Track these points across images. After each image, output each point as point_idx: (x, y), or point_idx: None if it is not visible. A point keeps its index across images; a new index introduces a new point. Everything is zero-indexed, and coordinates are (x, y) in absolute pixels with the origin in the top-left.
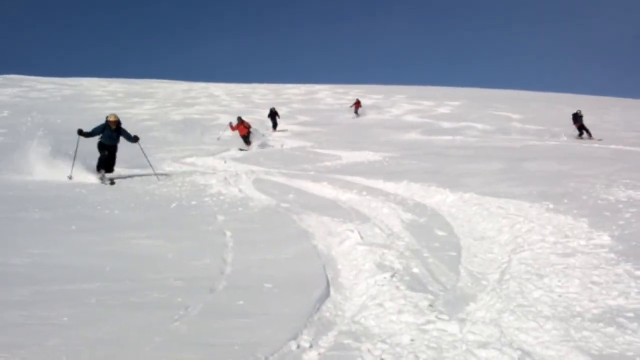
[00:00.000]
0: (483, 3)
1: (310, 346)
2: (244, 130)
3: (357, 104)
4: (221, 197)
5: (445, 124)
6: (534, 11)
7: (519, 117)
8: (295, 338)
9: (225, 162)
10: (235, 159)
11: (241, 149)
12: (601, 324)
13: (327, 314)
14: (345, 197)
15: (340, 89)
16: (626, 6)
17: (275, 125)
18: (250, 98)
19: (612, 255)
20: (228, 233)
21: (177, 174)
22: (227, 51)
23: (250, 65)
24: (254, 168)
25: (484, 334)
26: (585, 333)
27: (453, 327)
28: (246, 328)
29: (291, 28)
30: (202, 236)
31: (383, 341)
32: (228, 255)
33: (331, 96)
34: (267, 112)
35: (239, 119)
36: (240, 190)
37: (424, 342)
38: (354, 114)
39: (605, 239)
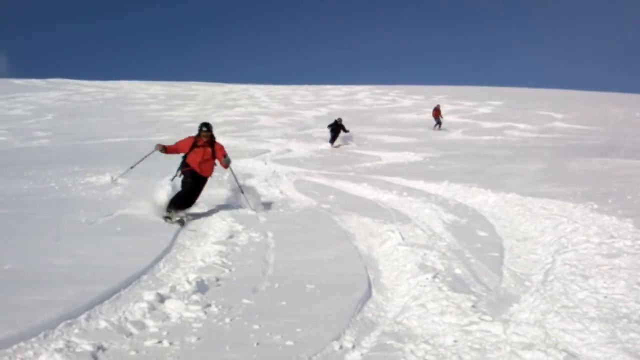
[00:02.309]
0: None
1: (353, 347)
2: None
3: (437, 111)
4: (262, 199)
5: (487, 124)
6: (577, 9)
7: (562, 117)
8: (338, 338)
9: (265, 163)
10: (275, 160)
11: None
12: None
13: (369, 315)
14: (386, 197)
15: (378, 89)
16: None
17: (334, 139)
18: (290, 100)
19: None
20: (270, 234)
21: (219, 174)
22: (264, 52)
23: (289, 66)
24: (294, 169)
25: (528, 335)
26: (632, 335)
27: (497, 328)
28: (289, 328)
29: (329, 28)
30: (243, 237)
31: (426, 342)
32: (270, 256)
33: (370, 97)
34: (327, 121)
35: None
36: (281, 192)
37: (467, 343)
38: (435, 127)
39: None
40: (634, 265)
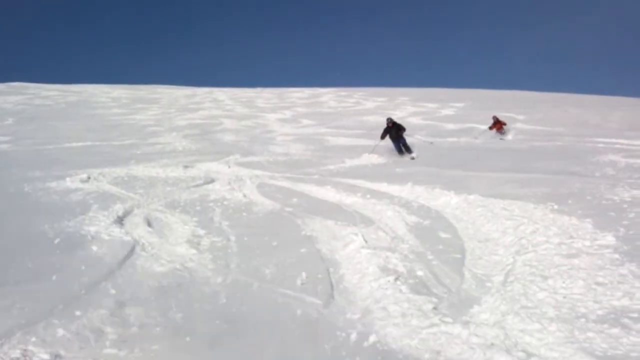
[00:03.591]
0: (484, 4)
1: (314, 350)
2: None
3: (499, 124)
4: (225, 202)
5: (450, 126)
6: (538, 11)
7: (524, 118)
8: (299, 342)
9: (229, 167)
10: (239, 164)
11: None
12: (605, 325)
13: (331, 318)
14: (349, 200)
15: (343, 92)
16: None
17: (403, 148)
18: (255, 102)
19: (616, 255)
20: (232, 238)
21: (182, 180)
22: (230, 56)
23: (253, 70)
24: (258, 172)
25: (488, 336)
26: (590, 334)
27: (457, 330)
28: (251, 334)
29: (293, 31)
30: (205, 242)
31: (388, 345)
32: (232, 260)
33: (334, 99)
34: (383, 127)
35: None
36: (244, 195)
37: (428, 345)
38: (498, 135)
39: (610, 239)
40: (593, 265)
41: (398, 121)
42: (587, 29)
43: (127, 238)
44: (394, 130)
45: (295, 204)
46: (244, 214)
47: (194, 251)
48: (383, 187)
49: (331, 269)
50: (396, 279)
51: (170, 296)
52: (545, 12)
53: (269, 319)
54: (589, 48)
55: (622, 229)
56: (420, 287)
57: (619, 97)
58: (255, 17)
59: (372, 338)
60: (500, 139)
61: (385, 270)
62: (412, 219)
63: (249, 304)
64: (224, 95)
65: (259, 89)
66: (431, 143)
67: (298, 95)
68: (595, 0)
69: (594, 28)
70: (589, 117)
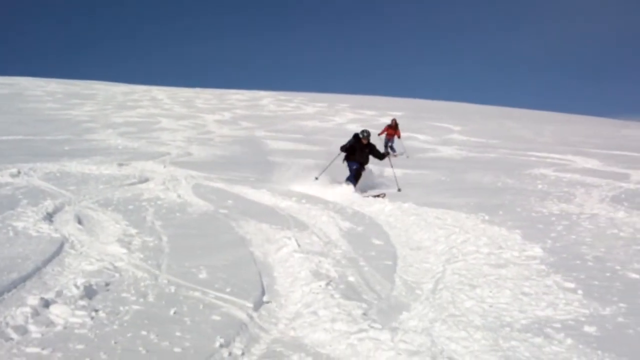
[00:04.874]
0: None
1: (243, 354)
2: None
3: (392, 130)
4: (159, 202)
5: None
6: (477, 24)
7: (460, 129)
8: (227, 345)
9: (164, 166)
10: (175, 164)
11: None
12: (529, 334)
13: (261, 322)
14: (285, 204)
15: (283, 96)
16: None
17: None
18: (194, 103)
19: (543, 267)
20: (164, 238)
21: (116, 178)
22: (172, 55)
23: (193, 70)
24: (194, 173)
25: (415, 343)
26: (514, 343)
27: (385, 336)
28: (178, 335)
29: (234, 34)
30: (137, 241)
31: (315, 350)
32: (163, 261)
33: (274, 103)
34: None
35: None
36: (178, 196)
37: (355, 350)
38: (388, 150)
39: (537, 250)
40: (520, 275)
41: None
42: (527, 42)
43: (56, 235)
44: (362, 152)
45: (230, 206)
46: (178, 214)
47: (124, 250)
48: (318, 192)
49: (263, 272)
50: (327, 283)
51: (98, 296)
52: (484, 25)
53: (198, 321)
54: (525, 63)
55: (549, 241)
56: (351, 293)
57: (552, 112)
58: (196, 17)
59: (301, 342)
60: (389, 150)
61: (317, 274)
62: (346, 224)
63: (178, 305)
64: (162, 94)
65: (198, 89)
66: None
67: (238, 97)
68: (537, 14)
69: (533, 41)
70: (522, 131)
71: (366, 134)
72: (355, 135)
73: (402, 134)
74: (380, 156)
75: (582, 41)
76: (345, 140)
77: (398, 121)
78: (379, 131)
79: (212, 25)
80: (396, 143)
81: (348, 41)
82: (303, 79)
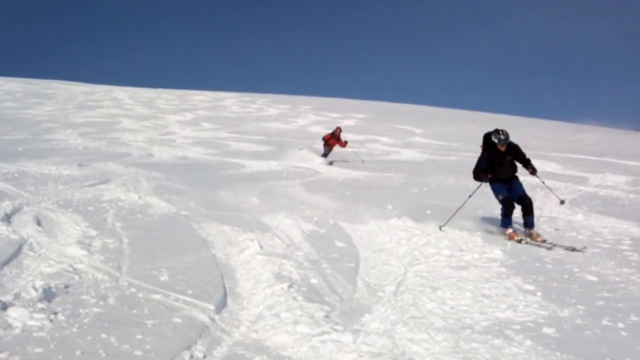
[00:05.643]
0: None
1: (204, 356)
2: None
3: (333, 138)
4: (120, 203)
5: (350, 136)
6: (440, 27)
7: (422, 132)
8: (189, 348)
9: (125, 167)
10: (136, 165)
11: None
12: (489, 336)
13: (223, 324)
14: (247, 206)
15: (246, 97)
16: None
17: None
18: (155, 103)
19: (503, 269)
20: (125, 240)
21: (76, 179)
22: (133, 55)
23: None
24: (156, 174)
25: (377, 345)
26: (474, 345)
27: (347, 338)
28: (139, 338)
29: (197, 34)
30: (97, 243)
31: (277, 352)
32: (124, 263)
33: (237, 104)
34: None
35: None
36: (140, 197)
37: (317, 352)
38: (321, 158)
39: (498, 253)
40: (480, 277)
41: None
42: (488, 46)
43: (14, 237)
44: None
45: (192, 208)
46: (139, 215)
47: (84, 252)
48: (283, 193)
49: (225, 275)
50: (290, 286)
51: (57, 298)
52: (445, 28)
53: (159, 323)
54: (487, 67)
55: (509, 244)
56: (313, 295)
57: (511, 116)
58: (157, 18)
59: (264, 344)
60: (325, 162)
61: (279, 277)
62: (309, 227)
63: (139, 308)
64: (124, 94)
65: (159, 90)
66: (362, 161)
67: (200, 98)
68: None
69: (493, 45)
70: (483, 134)
71: (503, 136)
72: (487, 139)
73: (364, 137)
74: (527, 161)
75: (539, 45)
76: (310, 141)
77: (361, 124)
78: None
79: (174, 26)
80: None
81: (311, 43)
82: (266, 80)
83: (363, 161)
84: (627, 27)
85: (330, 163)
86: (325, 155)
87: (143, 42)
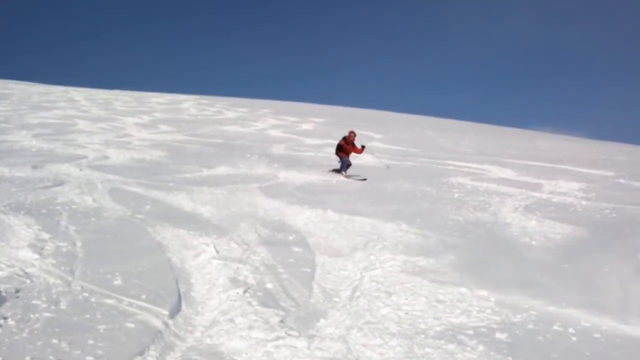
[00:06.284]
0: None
1: None
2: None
3: (348, 144)
4: (73, 206)
5: (309, 140)
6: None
7: (381, 137)
8: (141, 353)
9: (80, 169)
10: (91, 167)
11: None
12: (443, 341)
13: (177, 329)
14: (204, 209)
15: (204, 100)
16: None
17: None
18: (112, 105)
19: (457, 274)
20: (79, 244)
21: (29, 181)
22: (91, 57)
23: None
24: (111, 177)
25: (331, 350)
26: (428, 350)
27: (302, 343)
28: (90, 343)
29: (155, 36)
30: (49, 246)
31: (231, 358)
32: (77, 267)
33: (195, 107)
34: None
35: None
36: (94, 200)
37: (272, 358)
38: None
39: (452, 258)
40: (435, 283)
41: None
42: (446, 52)
43: None
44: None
45: (148, 211)
46: (93, 219)
47: (36, 256)
48: (240, 197)
49: (180, 279)
50: (245, 291)
51: (8, 303)
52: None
53: (112, 328)
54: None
55: (464, 249)
56: (268, 300)
57: (470, 123)
58: (114, 18)
59: (217, 350)
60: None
61: (235, 281)
62: (266, 231)
63: (92, 313)
64: (80, 95)
65: (117, 91)
66: (388, 168)
67: (158, 100)
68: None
69: (452, 51)
70: (442, 140)
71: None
72: None
73: (322, 141)
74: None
75: (496, 53)
76: (268, 144)
77: (320, 128)
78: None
79: (132, 26)
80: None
81: (270, 46)
82: (225, 83)
83: (388, 167)
84: (583, 36)
85: (347, 176)
86: (343, 168)
87: (102, 43)
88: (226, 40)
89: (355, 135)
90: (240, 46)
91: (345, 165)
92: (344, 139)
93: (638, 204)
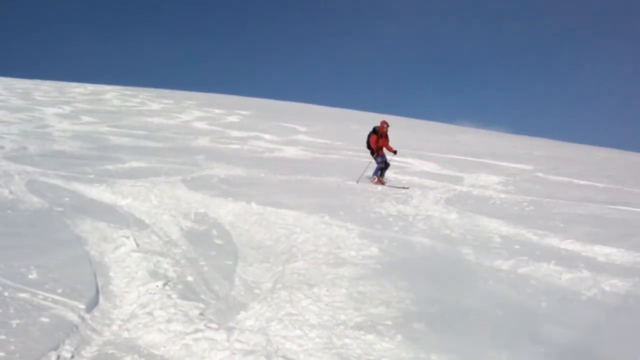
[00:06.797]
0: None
1: (72, 356)
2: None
3: (382, 138)
4: None
5: (234, 133)
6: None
7: (306, 130)
8: (56, 349)
9: None
10: (8, 158)
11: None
12: (362, 332)
13: (94, 323)
14: (125, 202)
15: (128, 91)
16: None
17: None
18: (32, 95)
19: (378, 266)
20: None
21: None
22: (10, 45)
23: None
24: (29, 169)
25: (250, 343)
26: (347, 340)
27: (221, 336)
28: (2, 339)
29: (80, 25)
30: None
31: (148, 351)
32: None
33: (119, 98)
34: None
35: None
36: (10, 192)
37: (191, 350)
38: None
39: (374, 250)
40: (356, 274)
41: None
42: (371, 47)
43: None
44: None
45: (66, 204)
46: (9, 211)
47: None
48: (162, 190)
49: (98, 273)
50: (165, 284)
51: None
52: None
53: (25, 323)
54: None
55: (386, 241)
56: (189, 293)
57: (395, 116)
58: (34, 5)
59: (135, 343)
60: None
61: (154, 274)
62: (188, 224)
63: (4, 307)
64: None
65: (37, 81)
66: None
67: (79, 90)
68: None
69: (378, 46)
70: (366, 134)
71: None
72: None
73: (247, 134)
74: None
75: (418, 47)
76: (193, 137)
77: (246, 121)
78: None
79: (53, 14)
80: None
81: (195, 38)
82: (150, 74)
83: (406, 188)
84: (505, 35)
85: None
86: (377, 173)
87: (22, 31)
88: (152, 30)
89: (388, 125)
90: (166, 37)
91: (378, 169)
92: (375, 131)
93: (554, 196)
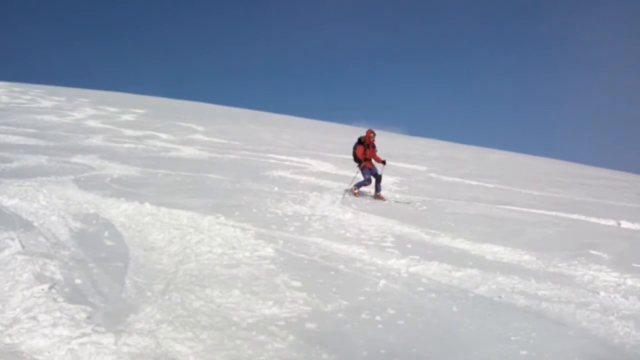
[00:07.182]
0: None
1: None
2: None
3: (369, 148)
4: None
5: (129, 132)
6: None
7: (203, 130)
8: None
9: None
10: None
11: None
12: (254, 333)
13: None
14: (11, 202)
15: (17, 87)
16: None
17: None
18: None
19: (273, 266)
20: None
21: None
22: None
23: None
24: None
25: (139, 346)
26: (238, 342)
27: (108, 340)
28: None
29: None
30: None
31: (32, 357)
32: None
33: (7, 94)
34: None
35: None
36: None
37: (76, 355)
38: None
39: (269, 251)
40: (250, 275)
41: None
42: (269, 48)
43: None
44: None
45: None
46: None
47: None
48: (51, 190)
49: None
50: (51, 287)
51: None
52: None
53: None
54: (269, 68)
55: (281, 242)
56: (76, 296)
57: (291, 117)
58: None
59: (17, 349)
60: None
61: (40, 277)
62: (78, 225)
63: None
64: None
65: None
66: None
67: None
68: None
69: (276, 47)
70: (264, 134)
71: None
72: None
73: (143, 133)
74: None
75: (315, 48)
76: (85, 135)
77: (141, 119)
78: None
79: None
80: None
81: (89, 34)
82: (41, 71)
83: (408, 203)
84: (402, 41)
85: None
86: (369, 180)
87: None
88: (45, 27)
89: (374, 134)
90: (58, 33)
91: (362, 184)
92: (360, 141)
93: (446, 197)
